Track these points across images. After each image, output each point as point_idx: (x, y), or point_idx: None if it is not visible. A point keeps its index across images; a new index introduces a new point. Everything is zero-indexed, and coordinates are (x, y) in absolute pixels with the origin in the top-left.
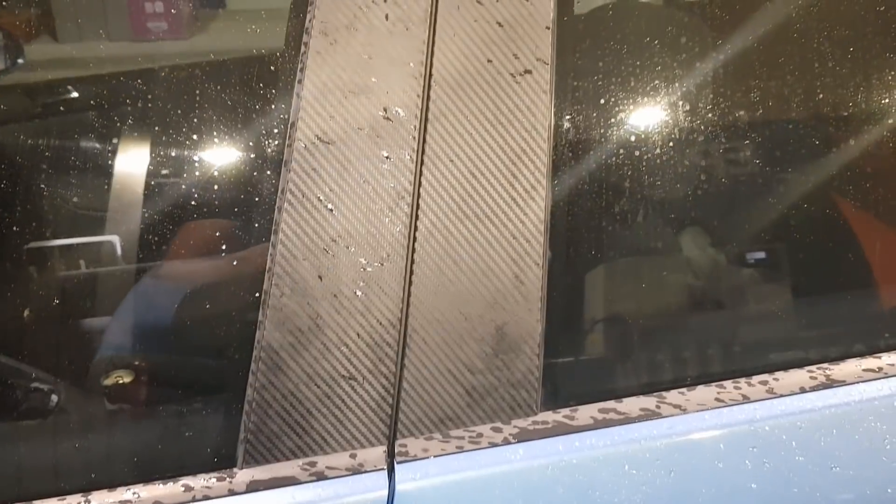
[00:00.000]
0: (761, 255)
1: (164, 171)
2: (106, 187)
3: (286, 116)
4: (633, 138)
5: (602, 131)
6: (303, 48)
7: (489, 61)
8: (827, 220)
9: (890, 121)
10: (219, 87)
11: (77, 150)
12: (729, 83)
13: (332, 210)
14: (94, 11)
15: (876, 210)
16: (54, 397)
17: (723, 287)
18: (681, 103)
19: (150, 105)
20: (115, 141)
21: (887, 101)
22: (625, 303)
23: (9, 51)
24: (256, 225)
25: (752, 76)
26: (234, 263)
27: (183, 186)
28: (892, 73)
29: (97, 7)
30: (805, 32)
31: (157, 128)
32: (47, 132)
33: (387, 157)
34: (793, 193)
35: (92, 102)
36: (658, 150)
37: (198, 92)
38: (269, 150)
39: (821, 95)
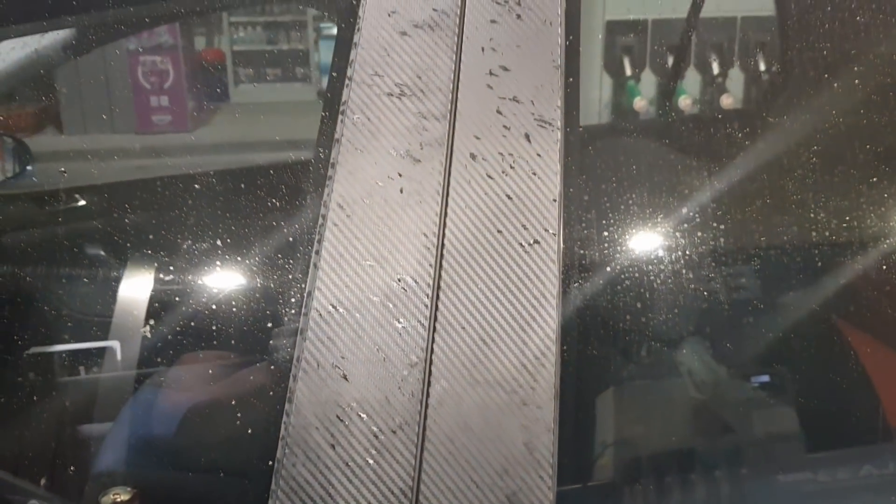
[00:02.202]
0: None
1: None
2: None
3: (303, 286)
4: (638, 304)
5: (609, 297)
6: (320, 220)
7: (499, 232)
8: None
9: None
10: (242, 265)
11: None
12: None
13: (346, 378)
14: (99, 105)
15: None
16: None
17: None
18: (683, 267)
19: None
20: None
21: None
22: (641, 467)
23: (19, 157)
24: (271, 393)
25: (750, 212)
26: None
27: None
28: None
29: (102, 100)
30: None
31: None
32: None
33: (400, 326)
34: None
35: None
36: (663, 317)
37: (219, 264)
38: (287, 318)
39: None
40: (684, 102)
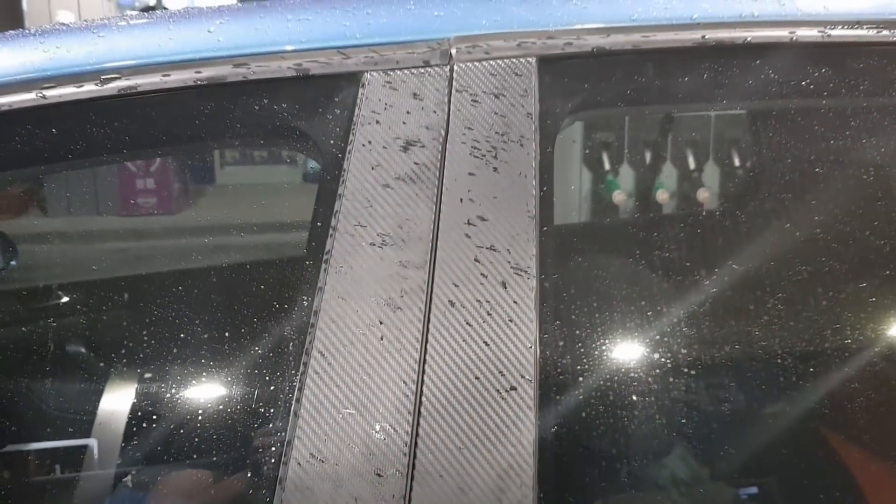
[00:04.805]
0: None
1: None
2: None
3: (283, 434)
4: (621, 442)
5: (585, 444)
6: (301, 367)
7: (477, 378)
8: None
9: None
10: (222, 416)
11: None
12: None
13: None
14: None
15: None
16: None
17: None
18: (663, 394)
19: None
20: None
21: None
22: None
23: (3, 251)
24: None
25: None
26: None
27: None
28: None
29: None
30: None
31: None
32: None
33: (378, 476)
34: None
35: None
36: (644, 448)
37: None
38: (266, 467)
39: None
40: (661, 196)
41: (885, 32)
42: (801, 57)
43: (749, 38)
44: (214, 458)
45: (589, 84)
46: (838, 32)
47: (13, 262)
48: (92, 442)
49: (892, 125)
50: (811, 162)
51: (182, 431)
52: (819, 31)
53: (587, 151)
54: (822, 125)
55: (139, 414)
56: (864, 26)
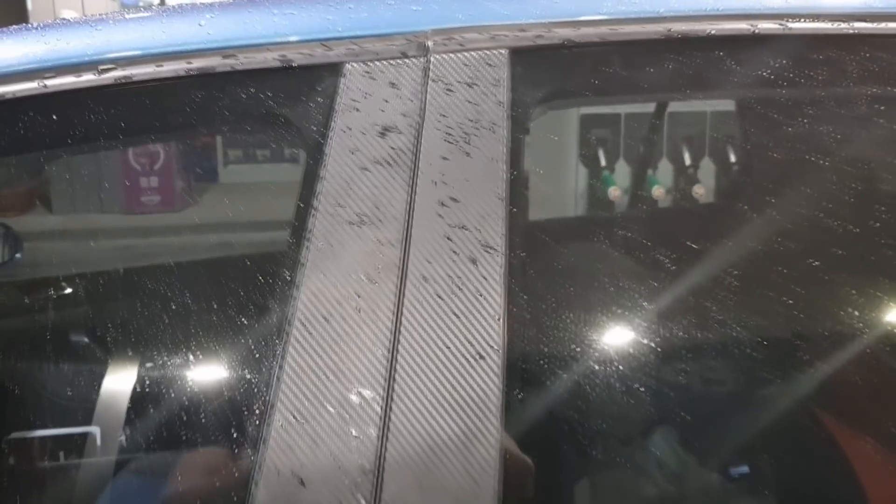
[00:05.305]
0: None
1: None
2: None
3: (268, 398)
4: (575, 415)
5: (549, 409)
6: (284, 336)
7: (447, 347)
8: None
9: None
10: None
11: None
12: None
13: (303, 483)
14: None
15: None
16: None
17: None
18: (617, 382)
19: None
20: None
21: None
22: None
23: (7, 245)
24: (235, 498)
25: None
26: None
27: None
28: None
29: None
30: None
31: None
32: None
33: (355, 435)
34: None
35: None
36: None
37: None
38: (251, 428)
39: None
40: (657, 192)
41: (843, 25)
42: (761, 49)
43: (712, 31)
44: (204, 421)
45: (558, 74)
46: (797, 25)
47: (18, 255)
48: (94, 429)
49: (850, 115)
50: (771, 150)
51: (176, 401)
52: (779, 24)
53: (556, 139)
54: (782, 115)
55: (138, 391)
56: (824, 19)
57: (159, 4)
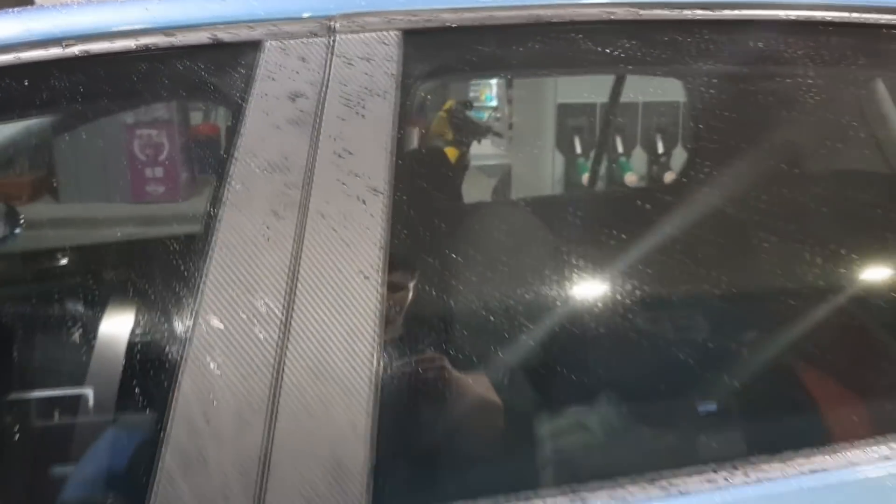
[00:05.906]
0: None
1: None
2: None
3: (193, 306)
4: (437, 321)
5: (418, 316)
6: (207, 257)
7: (339, 269)
8: None
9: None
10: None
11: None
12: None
13: (219, 371)
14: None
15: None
16: None
17: None
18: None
19: None
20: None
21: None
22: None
23: (7, 220)
24: (165, 384)
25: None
26: None
27: None
28: None
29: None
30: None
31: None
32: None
33: (262, 336)
34: None
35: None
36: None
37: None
38: (179, 329)
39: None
40: (630, 178)
41: (687, 12)
42: (616, 33)
43: (573, 17)
44: (142, 323)
45: (442, 52)
46: (647, 12)
47: (17, 231)
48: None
49: (697, 93)
50: (625, 124)
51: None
52: (630, 11)
53: (438, 102)
54: (634, 93)
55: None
56: (672, 7)
57: None
